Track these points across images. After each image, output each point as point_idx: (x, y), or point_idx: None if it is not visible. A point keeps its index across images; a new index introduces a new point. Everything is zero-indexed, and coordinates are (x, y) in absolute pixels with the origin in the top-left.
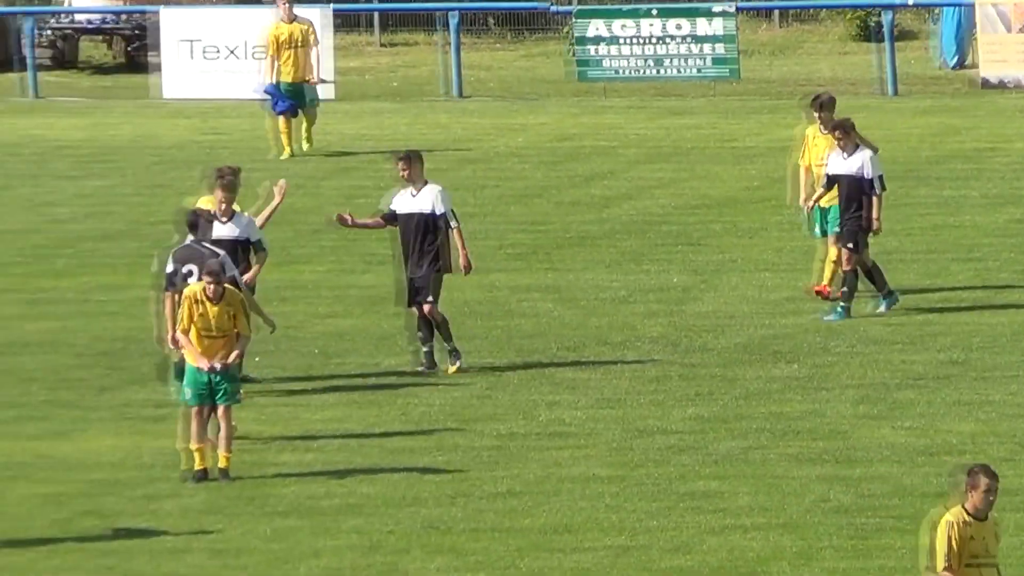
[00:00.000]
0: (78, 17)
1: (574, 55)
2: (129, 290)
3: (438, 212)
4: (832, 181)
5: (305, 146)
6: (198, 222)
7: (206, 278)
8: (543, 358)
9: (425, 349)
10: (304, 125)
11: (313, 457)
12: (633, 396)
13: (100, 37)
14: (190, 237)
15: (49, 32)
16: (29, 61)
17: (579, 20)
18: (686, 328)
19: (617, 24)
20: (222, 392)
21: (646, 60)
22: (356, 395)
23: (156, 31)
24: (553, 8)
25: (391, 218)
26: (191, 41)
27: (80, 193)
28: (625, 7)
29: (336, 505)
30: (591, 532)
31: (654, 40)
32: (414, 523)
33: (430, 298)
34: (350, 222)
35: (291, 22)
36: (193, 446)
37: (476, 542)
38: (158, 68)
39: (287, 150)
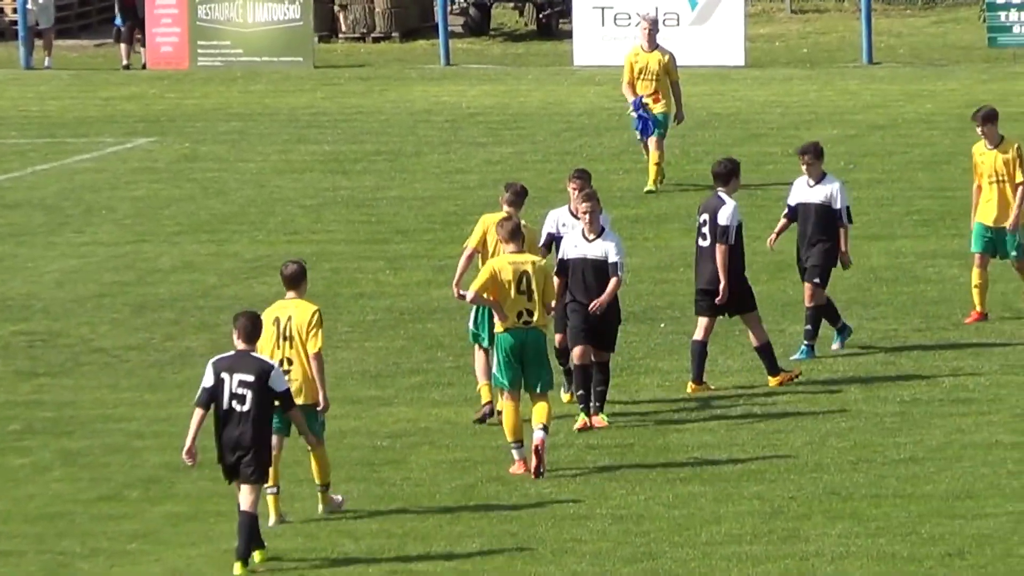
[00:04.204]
0: None
1: (985, 21)
2: None
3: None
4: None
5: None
6: None
7: None
8: (948, 324)
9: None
10: (652, 157)
11: (715, 423)
12: None
13: (512, 4)
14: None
15: (462, 0)
16: (442, 29)
17: None
18: None
19: None
20: None
21: None
22: (758, 360)
23: None
24: None
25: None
26: (603, 8)
27: (490, 160)
28: None
29: (738, 471)
30: (993, 498)
31: None
32: (816, 489)
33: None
34: None
35: (651, 51)
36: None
37: (877, 508)
38: (569, 35)
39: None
